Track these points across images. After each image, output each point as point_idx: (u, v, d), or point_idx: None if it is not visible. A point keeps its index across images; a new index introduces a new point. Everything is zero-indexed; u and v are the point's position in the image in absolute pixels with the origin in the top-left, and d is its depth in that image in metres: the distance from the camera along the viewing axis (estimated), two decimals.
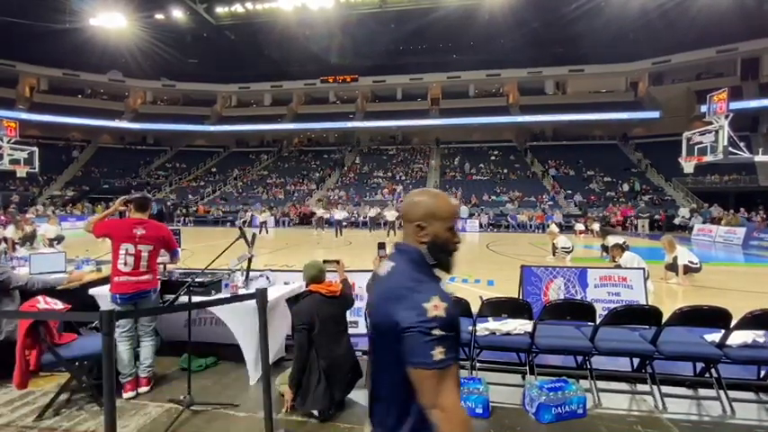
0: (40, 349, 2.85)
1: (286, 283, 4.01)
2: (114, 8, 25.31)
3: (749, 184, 23.55)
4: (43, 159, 16.81)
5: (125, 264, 3.14)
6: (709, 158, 11.32)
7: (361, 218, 21.93)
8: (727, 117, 10.63)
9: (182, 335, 3.76)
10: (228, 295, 3.40)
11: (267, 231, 18.14)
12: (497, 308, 3.48)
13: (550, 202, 24.66)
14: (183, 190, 30.66)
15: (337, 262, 3.57)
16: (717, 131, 10.84)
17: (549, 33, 29.21)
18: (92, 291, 3.58)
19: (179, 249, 3.47)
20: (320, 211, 19.50)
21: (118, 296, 3.16)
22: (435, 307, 0.98)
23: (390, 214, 17.60)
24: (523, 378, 3.34)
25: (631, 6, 24.56)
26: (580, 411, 2.88)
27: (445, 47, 34.53)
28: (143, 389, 3.21)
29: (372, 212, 19.17)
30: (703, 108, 12.07)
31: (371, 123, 35.94)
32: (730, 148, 10.75)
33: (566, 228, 18.37)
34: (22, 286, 3.33)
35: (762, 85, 27.21)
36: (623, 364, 3.48)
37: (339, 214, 17.65)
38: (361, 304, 4.25)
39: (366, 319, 1.25)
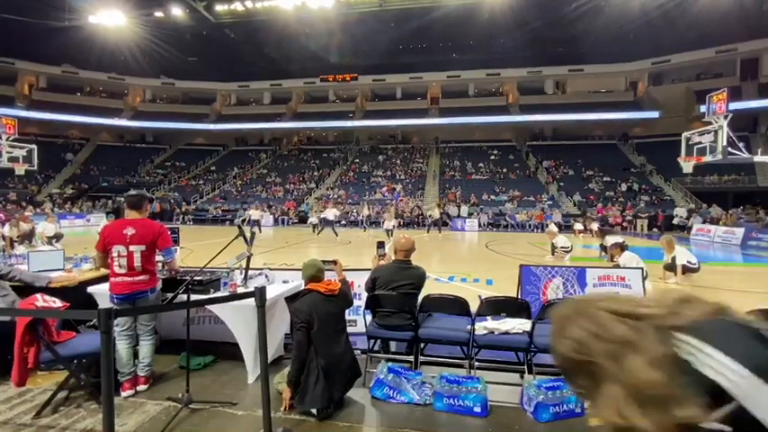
0: (38, 347, 2.85)
1: (285, 282, 4.00)
2: (114, 6, 25.26)
3: (748, 185, 23.59)
4: (42, 157, 16.78)
5: (119, 266, 3.11)
6: (708, 158, 11.36)
7: (360, 217, 21.91)
8: (726, 117, 10.66)
9: (180, 333, 3.76)
10: (227, 294, 3.40)
11: (260, 230, 18.06)
12: (496, 307, 3.49)
13: (549, 202, 24.68)
14: (182, 188, 30.63)
15: (335, 262, 3.56)
16: (716, 132, 10.87)
17: (549, 33, 29.19)
18: (90, 289, 3.57)
19: (173, 248, 3.38)
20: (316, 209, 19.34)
21: (115, 296, 3.16)
22: None
23: (389, 223, 16.27)
24: (522, 377, 3.34)
25: (631, 6, 24.54)
26: (578, 410, 2.88)
27: (445, 46, 34.49)
28: (141, 387, 3.21)
29: (366, 212, 18.67)
30: (703, 108, 12.10)
31: (371, 122, 35.89)
32: (729, 149, 10.78)
33: (565, 227, 18.39)
34: (4, 275, 3.32)
35: (761, 86, 27.22)
36: None
37: (330, 213, 16.57)
38: (360, 303, 4.22)
39: None
